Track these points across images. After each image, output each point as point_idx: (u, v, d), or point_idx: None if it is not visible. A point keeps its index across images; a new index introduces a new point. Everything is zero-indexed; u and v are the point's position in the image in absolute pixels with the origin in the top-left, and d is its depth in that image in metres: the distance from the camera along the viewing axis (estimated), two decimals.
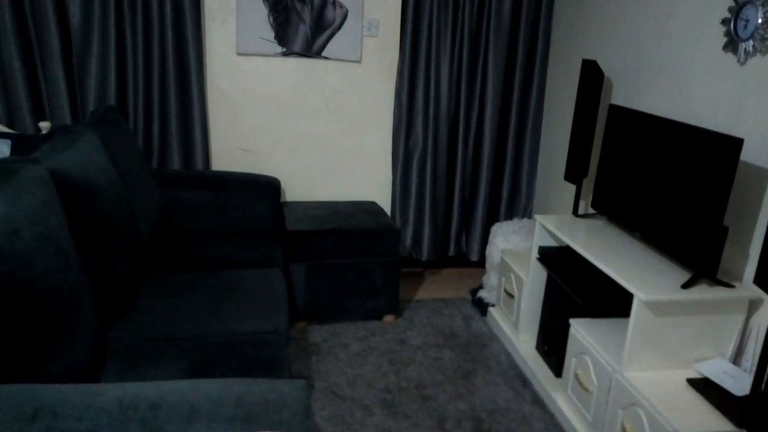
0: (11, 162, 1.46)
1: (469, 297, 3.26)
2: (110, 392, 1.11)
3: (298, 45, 2.98)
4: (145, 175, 2.35)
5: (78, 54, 2.71)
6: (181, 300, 2.01)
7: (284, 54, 2.99)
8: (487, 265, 3.13)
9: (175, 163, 2.96)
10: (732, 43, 1.95)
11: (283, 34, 2.95)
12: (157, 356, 1.75)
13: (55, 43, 2.66)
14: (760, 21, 1.83)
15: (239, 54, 2.95)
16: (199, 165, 2.99)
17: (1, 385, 1.09)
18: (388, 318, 2.93)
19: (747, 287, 1.89)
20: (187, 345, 1.80)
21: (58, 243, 1.38)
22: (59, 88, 2.73)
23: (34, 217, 1.31)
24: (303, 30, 2.96)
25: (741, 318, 1.87)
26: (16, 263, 1.19)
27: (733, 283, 1.89)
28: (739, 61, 1.93)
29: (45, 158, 1.59)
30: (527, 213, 3.51)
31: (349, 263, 2.81)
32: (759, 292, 1.84)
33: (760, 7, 1.83)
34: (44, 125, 2.71)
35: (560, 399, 2.25)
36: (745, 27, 1.89)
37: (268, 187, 2.89)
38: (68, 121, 2.77)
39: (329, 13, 2.96)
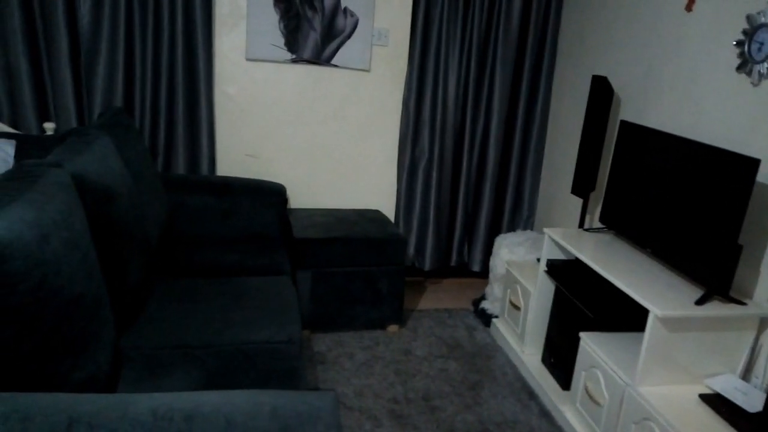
0: (33, 165, 1.43)
1: (472, 308, 3.26)
2: (143, 403, 1.09)
3: (307, 52, 2.98)
4: (154, 179, 2.33)
5: (86, 55, 2.68)
6: (191, 307, 1.99)
7: (293, 61, 2.98)
8: (490, 276, 3.14)
9: (180, 167, 2.94)
10: (746, 65, 1.99)
11: (293, 40, 2.95)
12: (171, 364, 1.73)
13: (63, 44, 2.63)
14: None
15: (248, 59, 2.93)
16: (205, 170, 2.97)
17: (32, 394, 1.06)
18: (392, 327, 2.92)
19: (758, 305, 1.92)
20: (201, 353, 1.78)
21: (82, 249, 1.36)
22: (66, 89, 2.69)
23: (61, 222, 1.29)
24: (313, 37, 2.96)
25: (752, 335, 1.90)
26: (47, 270, 1.17)
27: (745, 301, 1.92)
28: (752, 82, 1.97)
29: (65, 162, 1.56)
30: (529, 225, 3.53)
31: (355, 272, 2.80)
32: None
33: None
34: (48, 126, 2.67)
35: (568, 412, 2.25)
36: (759, 49, 1.93)
37: (274, 193, 2.88)
38: (73, 122, 2.74)
39: (340, 21, 2.97)
